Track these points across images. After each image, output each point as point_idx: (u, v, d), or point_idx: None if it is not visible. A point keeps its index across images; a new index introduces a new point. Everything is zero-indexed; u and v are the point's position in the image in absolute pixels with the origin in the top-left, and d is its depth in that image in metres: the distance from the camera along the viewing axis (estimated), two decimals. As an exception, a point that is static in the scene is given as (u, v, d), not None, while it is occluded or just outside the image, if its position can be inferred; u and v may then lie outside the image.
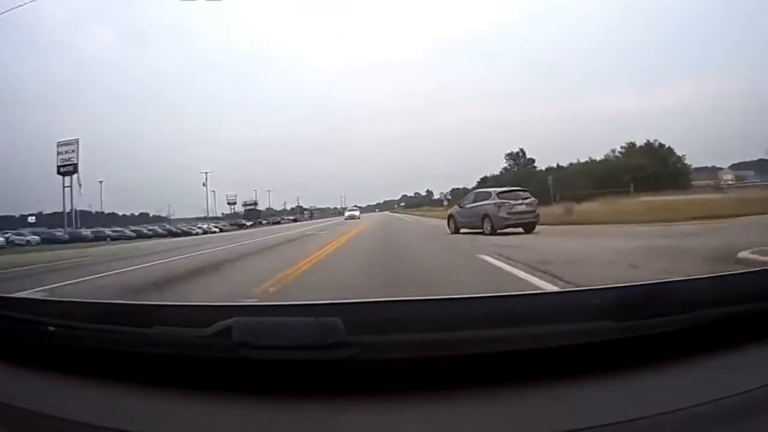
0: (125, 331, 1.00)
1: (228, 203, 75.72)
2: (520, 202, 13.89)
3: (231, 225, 70.25)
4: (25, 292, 5.72)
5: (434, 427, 0.80)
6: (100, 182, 51.90)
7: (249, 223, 69.59)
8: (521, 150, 77.65)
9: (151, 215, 69.69)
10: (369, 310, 0.97)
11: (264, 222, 73.04)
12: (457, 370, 0.86)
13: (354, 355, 0.86)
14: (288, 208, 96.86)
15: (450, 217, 16.19)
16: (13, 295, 1.31)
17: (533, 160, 71.48)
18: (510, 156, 78.85)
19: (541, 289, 4.59)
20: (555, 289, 4.34)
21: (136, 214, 67.25)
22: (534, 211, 13.97)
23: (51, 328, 1.05)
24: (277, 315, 0.98)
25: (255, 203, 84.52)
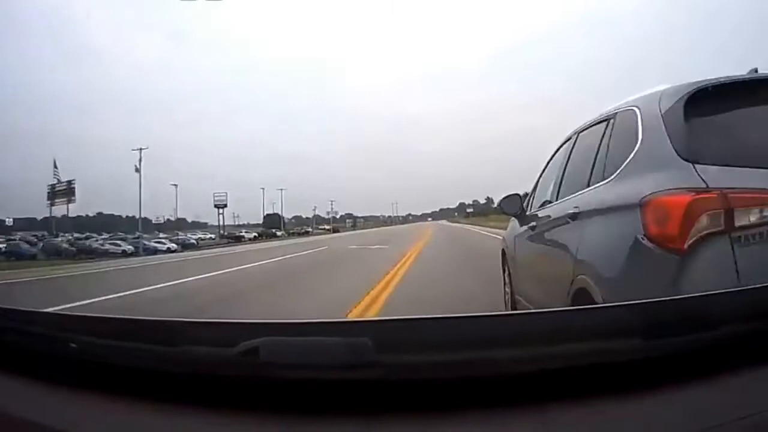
0: (149, 349, 0.98)
1: (215, 206, 58.95)
2: None
3: (223, 237, 54.25)
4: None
5: None
6: (67, 182, 47.09)
7: (251, 236, 53.25)
8: None
9: (153, 221, 67.76)
10: (398, 329, 0.94)
11: (279, 234, 57.07)
12: (489, 390, 0.84)
13: (384, 375, 0.84)
14: (326, 215, 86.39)
15: (503, 255, 4.65)
16: (34, 310, 1.29)
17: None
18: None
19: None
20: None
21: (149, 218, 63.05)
22: None
23: (72, 345, 1.02)
24: (306, 334, 0.95)
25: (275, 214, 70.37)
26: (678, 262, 1.49)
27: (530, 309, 3.09)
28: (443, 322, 0.95)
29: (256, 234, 58.29)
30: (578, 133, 2.86)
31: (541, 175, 3.72)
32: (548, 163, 3.58)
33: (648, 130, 1.83)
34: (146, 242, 44.00)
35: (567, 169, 2.91)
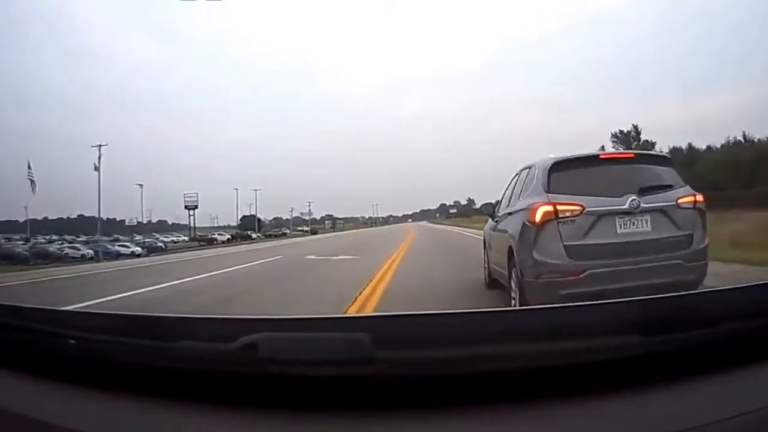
0: (148, 345, 0.98)
1: (186, 207, 55.96)
2: (630, 204, 4.23)
3: (195, 240, 51.32)
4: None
5: None
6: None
7: (225, 238, 50.41)
8: (634, 127, 59.04)
9: (135, 222, 64.04)
10: (397, 325, 0.94)
11: (254, 236, 54.37)
12: (486, 387, 0.84)
13: (382, 371, 0.84)
14: (302, 216, 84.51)
15: (484, 245, 7.42)
16: (33, 306, 1.26)
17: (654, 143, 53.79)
18: (618, 137, 61.49)
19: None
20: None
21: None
22: (688, 241, 4.30)
23: (72, 341, 1.02)
24: (304, 329, 0.96)
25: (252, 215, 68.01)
26: (536, 230, 4.19)
27: (496, 270, 5.96)
28: (441, 319, 0.95)
29: (230, 236, 55.65)
30: (520, 171, 5.70)
31: (504, 192, 6.32)
32: (507, 186, 6.21)
33: (538, 177, 4.66)
34: (109, 246, 41.10)
35: (514, 190, 5.67)
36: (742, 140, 48.41)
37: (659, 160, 5.37)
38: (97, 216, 40.52)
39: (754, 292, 1.00)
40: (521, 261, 4.48)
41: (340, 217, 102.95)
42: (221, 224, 76.88)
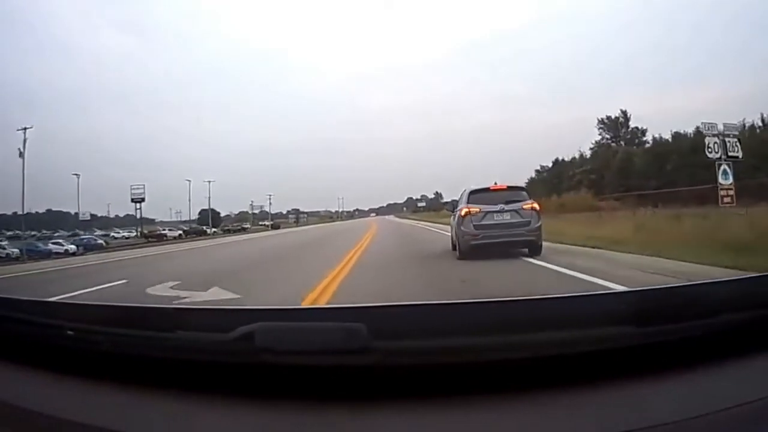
0: (145, 336, 0.98)
1: (132, 200, 51.76)
2: (500, 208, 10.06)
3: (143, 236, 47.25)
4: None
5: None
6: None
7: (176, 234, 46.84)
8: (623, 113, 56.64)
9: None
10: (394, 315, 0.94)
11: (210, 231, 50.74)
12: (482, 376, 0.85)
13: (378, 361, 0.85)
14: (274, 211, 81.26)
15: (451, 229, 12.43)
16: (30, 298, 1.27)
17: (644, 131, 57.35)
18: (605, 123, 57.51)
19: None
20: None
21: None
22: (529, 223, 9.91)
23: (70, 332, 1.01)
24: (301, 319, 0.96)
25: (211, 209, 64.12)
26: (462, 219, 10.12)
27: (451, 240, 11.81)
28: (437, 309, 0.95)
29: (181, 232, 51.64)
30: (462, 191, 11.29)
31: (459, 199, 11.38)
32: (459, 196, 11.46)
33: (464, 196, 10.84)
34: (40, 244, 36.81)
35: (459, 200, 11.39)
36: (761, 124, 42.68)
37: (519, 188, 11.24)
38: (21, 212, 36.15)
39: (750, 284, 1.02)
40: (457, 232, 10.54)
41: (307, 211, 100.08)
42: (184, 218, 72.47)
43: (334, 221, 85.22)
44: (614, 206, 29.17)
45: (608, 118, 58.57)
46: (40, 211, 68.14)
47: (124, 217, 69.37)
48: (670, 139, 47.84)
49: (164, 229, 51.64)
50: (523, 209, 9.92)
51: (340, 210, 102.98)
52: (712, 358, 0.86)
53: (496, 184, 11.22)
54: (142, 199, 55.32)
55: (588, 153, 58.08)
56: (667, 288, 1.02)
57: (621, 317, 0.87)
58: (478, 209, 9.88)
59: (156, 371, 0.92)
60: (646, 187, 35.15)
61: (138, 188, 55.43)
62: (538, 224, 9.83)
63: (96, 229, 57.43)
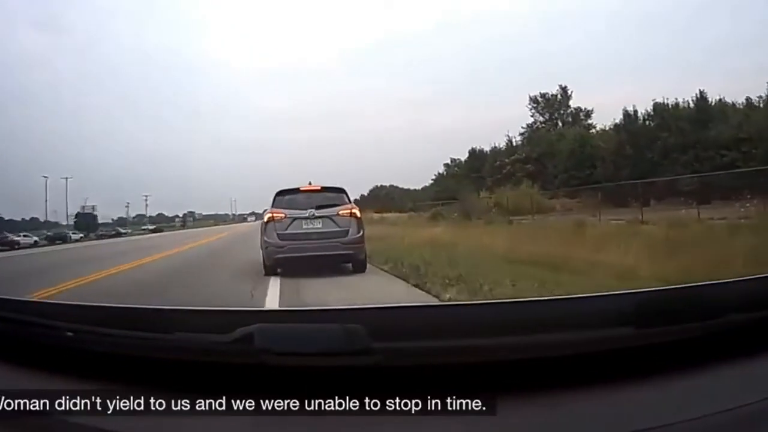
0: (144, 337, 0.96)
1: None
2: (310, 213, 8.15)
3: None
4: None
5: None
6: None
7: (32, 240, 42.19)
8: (562, 89, 49.55)
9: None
10: (393, 316, 0.94)
11: (75, 236, 46.31)
12: (481, 378, 0.85)
13: (377, 362, 0.85)
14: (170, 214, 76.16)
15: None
16: (28, 299, 1.23)
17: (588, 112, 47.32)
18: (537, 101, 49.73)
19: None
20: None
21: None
22: (346, 233, 8.05)
23: (69, 333, 0.98)
24: (300, 321, 0.96)
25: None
26: (266, 225, 8.21)
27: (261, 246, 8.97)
28: (437, 310, 0.97)
29: (37, 239, 46.18)
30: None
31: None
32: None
33: (272, 199, 8.67)
34: None
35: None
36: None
37: (337, 189, 8.95)
38: None
39: (749, 286, 1.01)
40: (261, 243, 8.46)
41: (206, 213, 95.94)
42: (62, 221, 64.89)
43: (228, 224, 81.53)
44: (568, 205, 24.07)
45: (543, 96, 47.46)
46: None
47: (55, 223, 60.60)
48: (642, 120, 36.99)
49: (17, 236, 45.70)
50: (340, 216, 8.09)
51: (234, 213, 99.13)
52: (713, 359, 0.87)
53: (310, 183, 9.16)
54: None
55: (518, 139, 47.93)
56: (665, 290, 1.02)
57: (621, 318, 0.87)
58: (283, 215, 8.05)
59: (155, 372, 0.91)
60: (616, 179, 28.01)
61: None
62: (359, 234, 8.04)
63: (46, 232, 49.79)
